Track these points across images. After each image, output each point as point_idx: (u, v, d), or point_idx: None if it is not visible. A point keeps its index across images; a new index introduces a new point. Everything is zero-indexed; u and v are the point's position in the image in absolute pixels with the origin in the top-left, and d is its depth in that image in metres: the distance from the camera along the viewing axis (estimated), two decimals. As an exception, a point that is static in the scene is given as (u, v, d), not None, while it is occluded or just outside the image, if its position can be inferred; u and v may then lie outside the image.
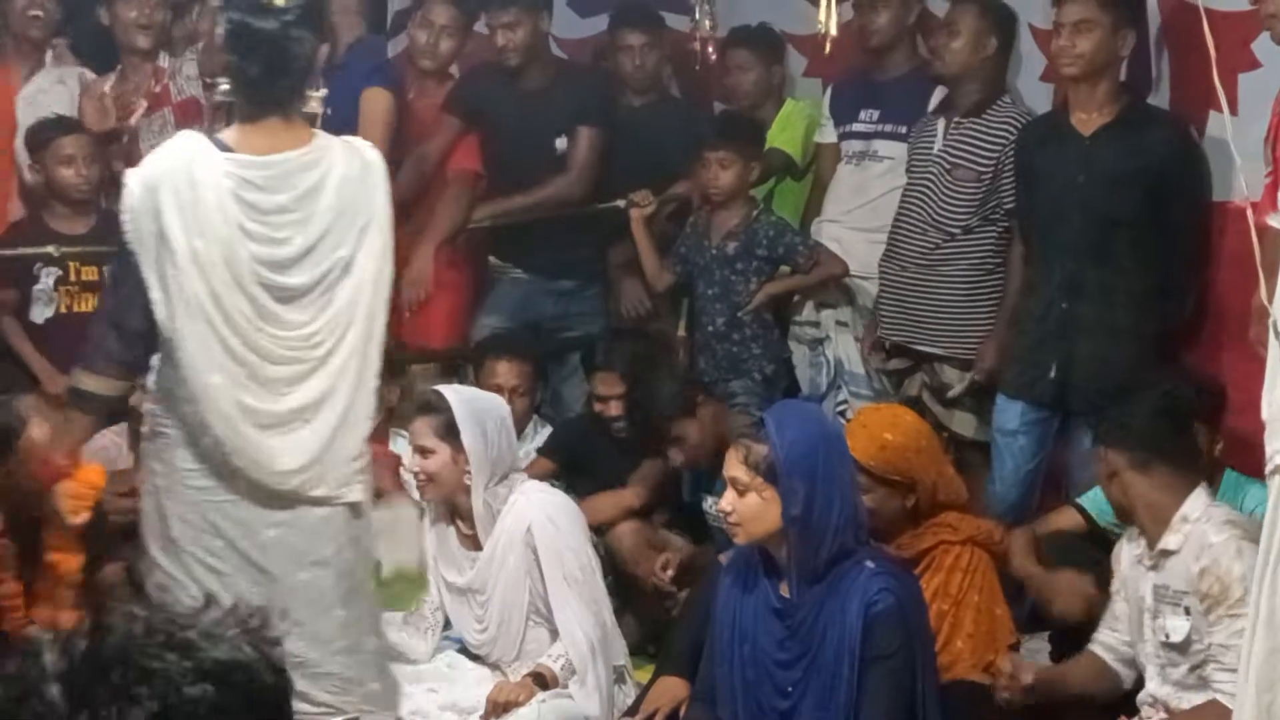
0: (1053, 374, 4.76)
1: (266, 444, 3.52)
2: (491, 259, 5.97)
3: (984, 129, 5.11)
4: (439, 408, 4.29)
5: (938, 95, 5.39)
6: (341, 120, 5.37)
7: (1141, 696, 3.83)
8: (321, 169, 3.46)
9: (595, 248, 5.95)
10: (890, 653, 3.57)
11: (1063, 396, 4.79)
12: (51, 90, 5.70)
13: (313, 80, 3.54)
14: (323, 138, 3.52)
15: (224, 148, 3.48)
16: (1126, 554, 3.92)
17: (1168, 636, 3.72)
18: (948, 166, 5.15)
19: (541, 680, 4.14)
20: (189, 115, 5.62)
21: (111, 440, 5.07)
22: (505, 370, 5.29)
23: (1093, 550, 4.31)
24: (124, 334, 3.55)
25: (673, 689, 4.13)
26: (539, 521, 4.21)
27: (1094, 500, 4.37)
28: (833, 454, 3.65)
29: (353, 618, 3.67)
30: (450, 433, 4.23)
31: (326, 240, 3.48)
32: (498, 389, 5.10)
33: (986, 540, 4.13)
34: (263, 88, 3.48)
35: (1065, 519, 4.46)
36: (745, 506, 3.63)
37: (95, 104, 5.58)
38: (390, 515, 4.19)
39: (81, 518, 3.88)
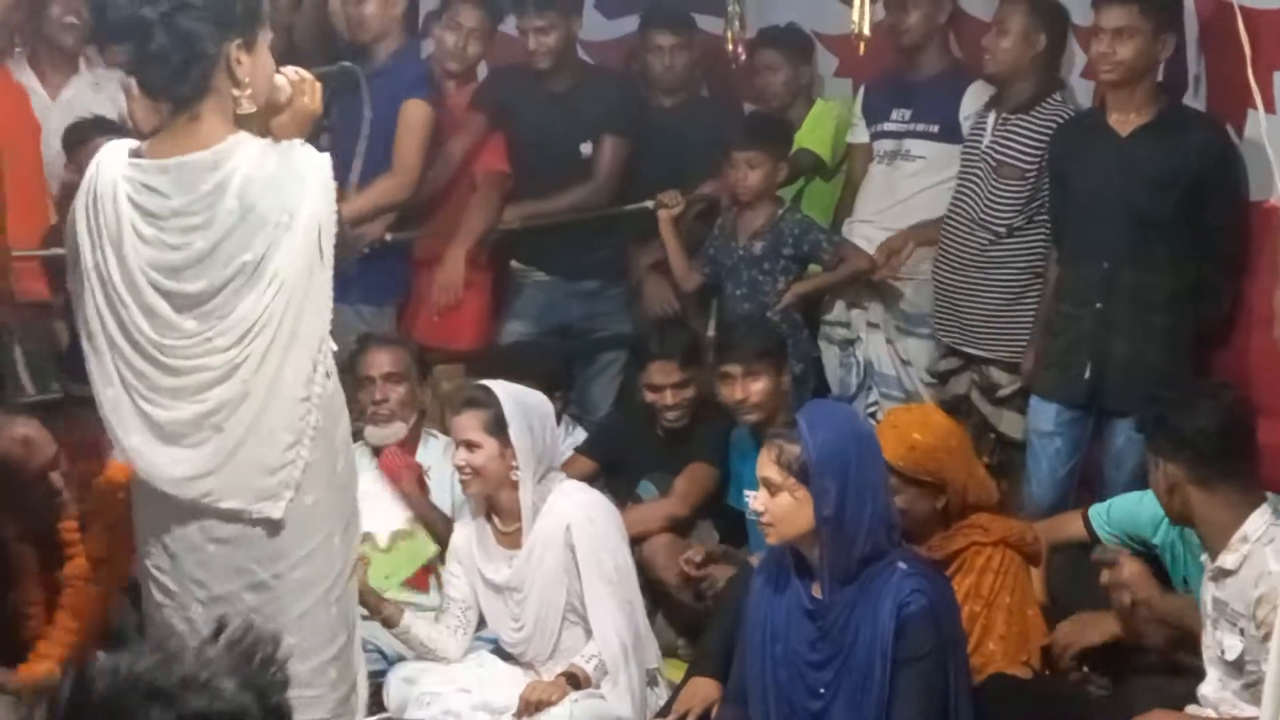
0: (1087, 375, 4.74)
1: (162, 453, 3.39)
2: (513, 263, 5.97)
3: (1031, 126, 5.09)
4: (486, 403, 4.29)
5: (971, 94, 5.39)
6: (383, 128, 5.39)
7: (1200, 689, 3.76)
8: (224, 171, 3.28)
9: (616, 248, 5.95)
10: (922, 654, 3.57)
11: (1097, 397, 4.77)
12: (86, 94, 5.71)
13: (219, 80, 3.30)
14: (237, 138, 3.31)
15: (135, 154, 3.37)
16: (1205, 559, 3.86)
17: (1223, 653, 3.67)
18: (994, 164, 5.15)
19: (574, 680, 4.14)
20: None
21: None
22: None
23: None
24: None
25: (704, 689, 4.13)
26: (579, 521, 4.22)
27: (1102, 515, 4.35)
28: (865, 454, 3.64)
29: (308, 644, 3.49)
30: (498, 427, 4.24)
31: (228, 244, 3.29)
32: None
33: (1018, 542, 4.12)
34: (154, 84, 3.33)
35: (1072, 528, 4.42)
36: (777, 506, 3.63)
37: (146, 104, 5.57)
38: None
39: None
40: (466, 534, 4.40)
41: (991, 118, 5.20)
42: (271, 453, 3.38)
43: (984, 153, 5.17)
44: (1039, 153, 5.03)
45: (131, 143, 3.45)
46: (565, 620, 4.28)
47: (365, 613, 4.24)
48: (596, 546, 4.22)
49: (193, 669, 1.54)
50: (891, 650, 3.56)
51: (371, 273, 5.44)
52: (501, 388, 4.36)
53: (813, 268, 5.61)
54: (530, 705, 4.11)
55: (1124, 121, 4.72)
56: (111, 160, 3.37)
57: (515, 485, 4.26)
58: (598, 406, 5.90)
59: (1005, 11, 5.14)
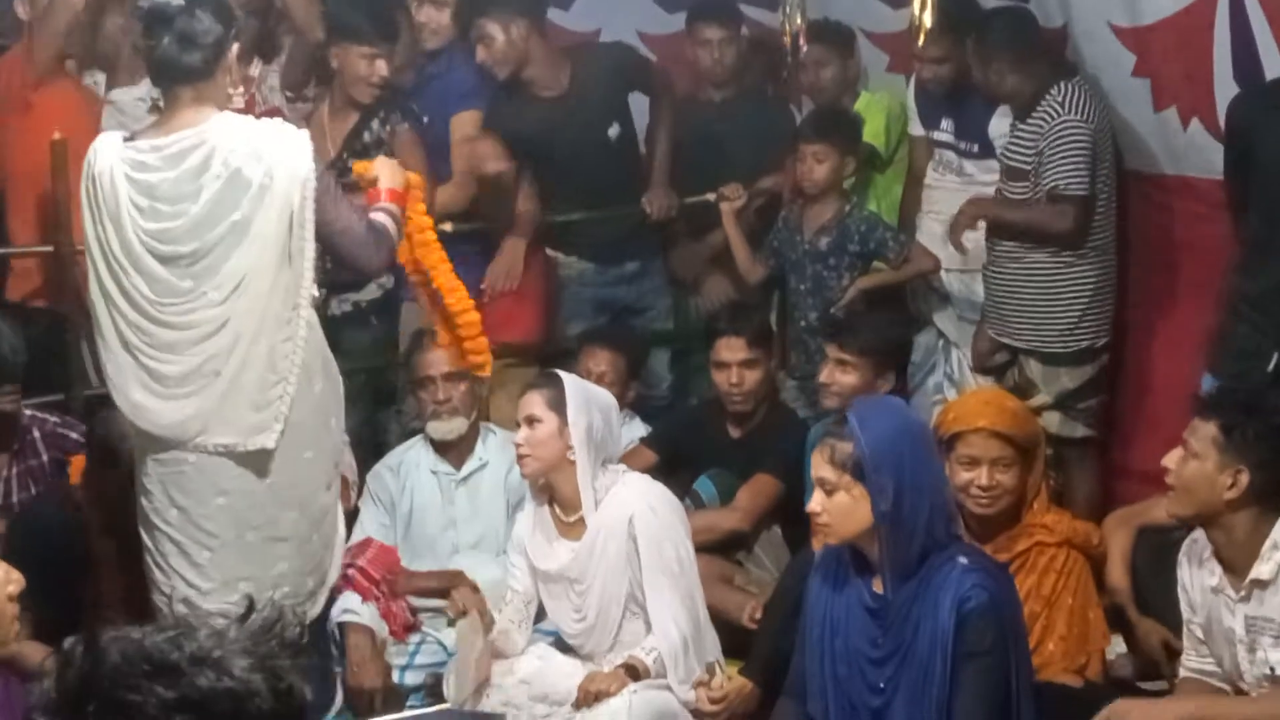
0: (1271, 367, 4.38)
1: (161, 404, 3.82)
2: (549, 251, 5.88)
3: (1029, 129, 5.15)
4: (552, 384, 4.35)
5: (1000, 114, 5.42)
6: (439, 138, 5.44)
7: None
8: (208, 146, 3.74)
9: (649, 224, 5.87)
10: (984, 649, 3.52)
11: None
12: (147, 99, 5.77)
13: (228, 76, 3.86)
14: (222, 118, 3.79)
15: (130, 138, 3.87)
16: (1195, 580, 3.73)
17: (1273, 670, 3.52)
18: (1005, 168, 5.25)
19: (634, 672, 4.15)
20: None
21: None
22: (599, 356, 5.32)
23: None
24: None
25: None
26: (641, 511, 4.23)
27: None
28: (918, 446, 3.62)
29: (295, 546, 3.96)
30: (559, 405, 4.27)
31: (219, 207, 3.74)
32: (587, 374, 5.14)
33: (1084, 543, 4.10)
34: (170, 59, 3.78)
35: (1159, 512, 4.28)
36: (835, 506, 3.58)
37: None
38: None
39: None
40: (528, 524, 4.43)
41: (1009, 128, 5.28)
42: (260, 391, 3.79)
43: (998, 157, 5.31)
44: (1034, 146, 5.10)
45: (117, 133, 3.94)
46: (627, 611, 4.29)
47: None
48: (659, 537, 4.22)
49: (204, 646, 1.50)
50: (952, 645, 3.52)
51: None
52: (566, 374, 4.46)
53: (877, 264, 5.60)
54: (589, 696, 4.12)
55: None
56: (106, 146, 3.85)
57: (573, 471, 4.28)
58: (659, 380, 5.92)
59: (999, 68, 5.18)
